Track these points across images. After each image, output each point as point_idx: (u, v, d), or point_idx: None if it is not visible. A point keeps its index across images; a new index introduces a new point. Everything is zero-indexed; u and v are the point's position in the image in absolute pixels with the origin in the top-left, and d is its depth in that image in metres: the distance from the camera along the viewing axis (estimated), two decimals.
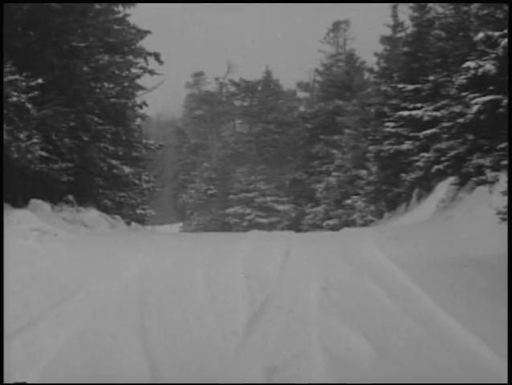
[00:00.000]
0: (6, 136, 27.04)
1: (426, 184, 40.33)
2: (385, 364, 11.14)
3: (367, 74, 70.41)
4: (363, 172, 55.99)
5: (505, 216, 19.67)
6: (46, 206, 30.14)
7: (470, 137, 30.16)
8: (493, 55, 26.12)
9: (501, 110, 23.80)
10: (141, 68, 43.95)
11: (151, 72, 44.64)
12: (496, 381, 10.70)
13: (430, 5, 48.10)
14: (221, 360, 11.36)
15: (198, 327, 13.58)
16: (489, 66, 25.91)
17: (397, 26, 54.75)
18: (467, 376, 10.94)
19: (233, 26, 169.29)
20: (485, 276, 18.18)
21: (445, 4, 45.84)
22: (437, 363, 11.56)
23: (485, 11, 29.60)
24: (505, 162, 23.26)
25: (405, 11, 52.15)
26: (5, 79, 28.64)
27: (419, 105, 41.55)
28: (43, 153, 29.91)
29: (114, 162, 37.83)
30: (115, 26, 39.78)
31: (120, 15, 41.18)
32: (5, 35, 28.97)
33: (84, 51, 35.62)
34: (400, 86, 45.80)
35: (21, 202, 29.49)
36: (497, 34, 26.13)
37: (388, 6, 54.75)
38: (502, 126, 22.83)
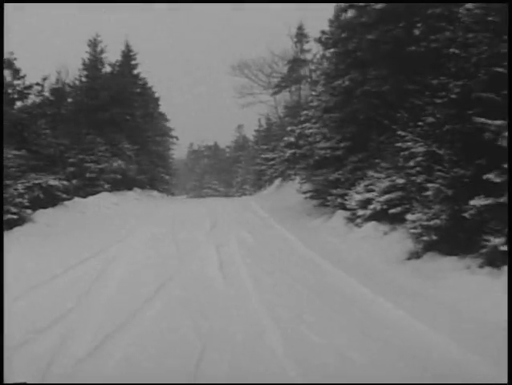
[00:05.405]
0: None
1: (271, 180, 40.00)
2: (257, 243, 11.06)
3: (250, 144, 69.36)
4: (250, 176, 56.17)
5: (300, 190, 19.71)
6: (138, 190, 29.42)
7: (286, 164, 30.35)
8: (293, 135, 26.05)
9: (297, 154, 23.59)
10: (171, 142, 42.57)
11: (175, 143, 43.66)
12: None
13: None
14: (200, 241, 11.20)
15: (192, 229, 13.32)
16: (292, 139, 25.78)
17: (260, 125, 53.41)
18: (287, 246, 10.97)
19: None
20: (292, 212, 18.20)
21: (277, 119, 45.30)
22: (276, 241, 11.51)
23: (289, 128, 29.40)
24: (299, 172, 23.31)
25: (262, 121, 51.38)
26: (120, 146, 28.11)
27: (270, 153, 41.02)
28: (132, 173, 29.62)
29: (163, 175, 37.21)
30: (162, 123, 38.79)
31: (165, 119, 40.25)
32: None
33: (151, 137, 34.61)
34: (262, 146, 45.58)
35: (130, 188, 28.46)
36: (295, 128, 26.17)
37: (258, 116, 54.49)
38: (299, 160, 22.62)
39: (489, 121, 7.05)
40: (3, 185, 12.68)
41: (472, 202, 7.08)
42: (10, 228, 12.58)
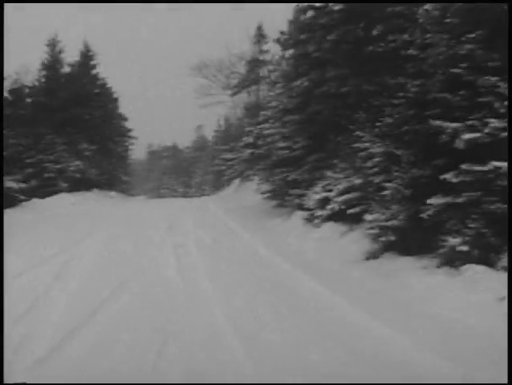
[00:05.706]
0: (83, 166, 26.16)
1: (230, 180, 39.54)
2: (216, 244, 10.76)
3: (209, 145, 68.75)
4: (209, 177, 55.62)
5: (259, 191, 19.51)
6: (97, 191, 28.66)
7: (245, 164, 29.68)
8: (252, 135, 25.81)
9: (255, 154, 23.40)
10: (130, 143, 41.17)
11: (134, 143, 42.35)
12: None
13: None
14: (161, 233, 10.83)
15: (154, 226, 12.99)
16: (250, 140, 25.53)
17: (219, 126, 52.69)
18: (237, 239, 10.97)
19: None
20: (251, 213, 18.01)
21: (236, 119, 44.83)
22: (236, 239, 11.30)
23: (248, 128, 29.15)
24: (257, 172, 23.05)
25: (222, 122, 50.87)
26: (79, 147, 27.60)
27: (229, 154, 40.45)
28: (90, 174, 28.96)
29: (121, 175, 36.57)
30: (121, 124, 37.74)
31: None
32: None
33: (109, 137, 33.83)
34: (221, 147, 45.14)
35: (88, 189, 27.38)
36: (254, 128, 25.90)
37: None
38: (257, 160, 22.41)
39: (447, 123, 6.97)
40: None
41: (429, 201, 7.00)
42: None
